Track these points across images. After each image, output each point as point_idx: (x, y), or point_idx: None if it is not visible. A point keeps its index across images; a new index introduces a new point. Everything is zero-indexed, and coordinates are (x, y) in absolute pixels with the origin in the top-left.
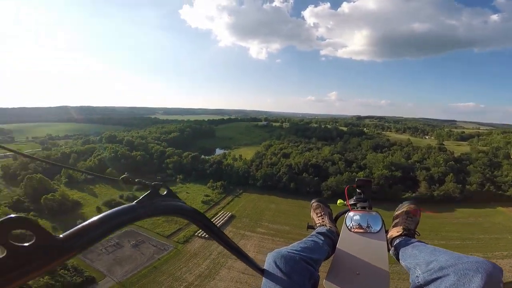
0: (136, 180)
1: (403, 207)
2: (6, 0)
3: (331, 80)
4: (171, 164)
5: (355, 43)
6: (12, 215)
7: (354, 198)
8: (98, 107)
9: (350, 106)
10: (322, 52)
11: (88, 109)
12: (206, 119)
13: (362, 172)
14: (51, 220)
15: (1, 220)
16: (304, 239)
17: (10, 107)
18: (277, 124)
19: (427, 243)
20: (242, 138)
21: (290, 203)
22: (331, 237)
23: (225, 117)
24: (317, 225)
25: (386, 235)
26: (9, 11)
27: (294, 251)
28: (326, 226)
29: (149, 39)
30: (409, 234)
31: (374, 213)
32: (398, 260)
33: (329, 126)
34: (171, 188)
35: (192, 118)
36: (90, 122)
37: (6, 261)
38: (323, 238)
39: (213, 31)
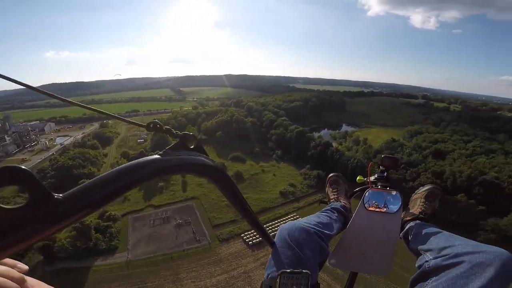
0: (164, 127)
1: (423, 191)
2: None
3: None
4: (274, 136)
5: None
6: (6, 166)
7: (376, 175)
8: (251, 75)
9: None
10: None
11: (244, 77)
12: (342, 91)
13: None
14: None
15: None
16: (318, 213)
17: (195, 74)
18: (442, 104)
19: (442, 229)
20: (381, 116)
21: None
22: (345, 213)
23: (366, 90)
24: (332, 200)
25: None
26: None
27: (309, 224)
28: (340, 201)
29: (295, 13)
30: (425, 219)
31: (394, 192)
32: (408, 243)
33: None
34: (262, 162)
35: (331, 88)
36: (242, 88)
37: None
38: (336, 214)
39: (359, 1)
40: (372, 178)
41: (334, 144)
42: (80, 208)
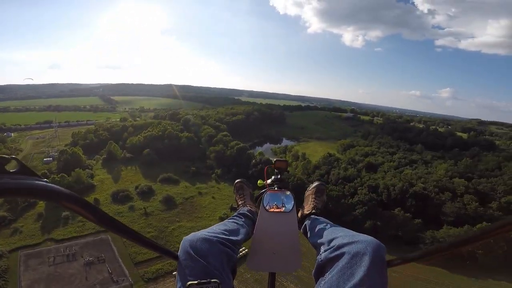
0: None
1: (312, 188)
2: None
3: (445, 75)
4: (213, 153)
5: (489, 33)
6: None
7: (272, 178)
8: (196, 86)
9: (466, 107)
10: (438, 43)
11: (188, 87)
12: (282, 104)
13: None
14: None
15: None
16: (225, 221)
17: (130, 82)
18: (367, 117)
19: (330, 222)
20: (316, 129)
21: None
22: (251, 217)
23: (303, 104)
24: (240, 205)
25: (298, 213)
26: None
27: (211, 234)
28: (247, 206)
29: (241, 26)
30: (317, 213)
31: (288, 192)
32: (307, 238)
33: (440, 129)
34: (187, 181)
35: (272, 102)
36: (185, 99)
37: None
38: (243, 219)
39: (302, 17)
40: (269, 181)
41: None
42: None
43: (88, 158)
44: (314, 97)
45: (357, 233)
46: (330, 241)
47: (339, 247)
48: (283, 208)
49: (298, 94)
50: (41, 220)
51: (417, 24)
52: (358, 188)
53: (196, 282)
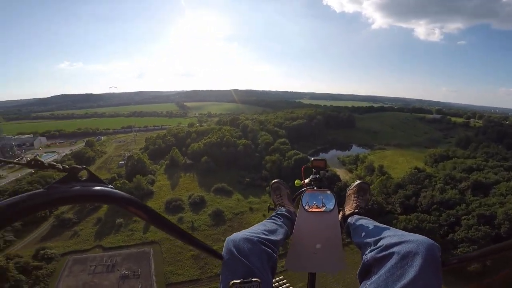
0: (47, 163)
1: (354, 186)
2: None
3: None
4: (268, 163)
5: None
6: None
7: (310, 177)
8: (258, 90)
9: None
10: None
11: (250, 92)
12: (350, 106)
13: None
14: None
15: None
16: (264, 221)
17: (201, 89)
18: (460, 119)
19: (376, 221)
20: (394, 134)
21: None
22: (290, 217)
23: (376, 105)
24: (277, 206)
25: (339, 213)
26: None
27: (252, 234)
28: (285, 206)
29: (298, 29)
30: (361, 212)
31: (328, 192)
32: (351, 238)
33: None
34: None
35: (337, 103)
36: (247, 104)
37: None
38: (281, 219)
39: (362, 14)
40: (307, 180)
41: (342, 175)
42: None
43: (154, 163)
44: (387, 97)
45: (408, 233)
46: (377, 241)
47: (388, 247)
48: (324, 208)
49: (368, 94)
50: (98, 225)
51: (507, 12)
52: (463, 218)
53: (239, 281)
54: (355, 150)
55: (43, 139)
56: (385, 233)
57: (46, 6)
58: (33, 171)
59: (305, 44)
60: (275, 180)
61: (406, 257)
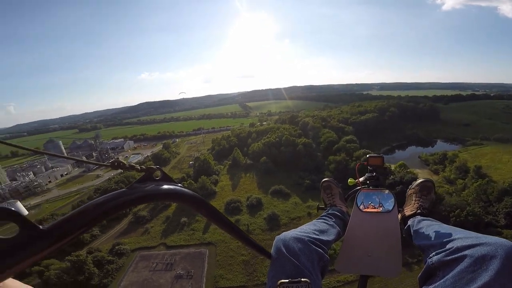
0: (127, 164)
1: (416, 185)
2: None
3: None
4: (332, 164)
5: None
6: None
7: (365, 176)
8: (318, 85)
9: None
10: None
11: (310, 88)
12: (431, 95)
13: None
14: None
15: None
16: (314, 220)
17: (261, 88)
18: None
19: (442, 223)
20: (494, 126)
21: None
22: (342, 217)
23: (465, 93)
24: (328, 205)
25: (399, 214)
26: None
27: (303, 233)
28: (336, 206)
29: (353, 17)
30: (424, 213)
31: (386, 191)
32: (412, 240)
33: None
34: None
35: (414, 93)
36: (308, 100)
37: None
38: (333, 219)
39: None
40: (361, 179)
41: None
42: (60, 237)
43: (219, 163)
44: (478, 83)
45: (483, 235)
46: (446, 243)
47: (459, 249)
48: (381, 208)
49: (452, 81)
50: (166, 223)
51: None
52: None
53: (287, 280)
54: (441, 146)
55: (131, 143)
56: (456, 235)
57: (121, 26)
58: (121, 171)
59: (366, 32)
60: (325, 179)
61: (481, 260)
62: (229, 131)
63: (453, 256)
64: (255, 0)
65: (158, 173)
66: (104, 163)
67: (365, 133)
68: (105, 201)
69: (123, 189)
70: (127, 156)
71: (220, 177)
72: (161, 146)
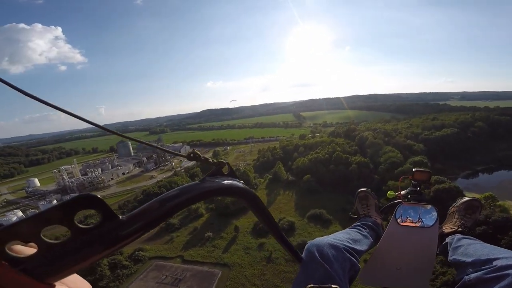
0: (202, 157)
1: (461, 203)
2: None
3: None
4: (391, 191)
5: None
6: (82, 194)
7: (408, 190)
8: (382, 94)
9: None
10: None
11: (373, 97)
12: None
13: None
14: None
15: (70, 199)
16: (347, 229)
17: (318, 98)
18: None
19: (484, 242)
20: None
21: None
22: (376, 229)
23: None
24: (361, 216)
25: (439, 231)
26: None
27: (337, 241)
28: (371, 217)
29: (418, 21)
30: (465, 232)
31: (429, 206)
32: (446, 257)
33: None
34: None
35: (506, 104)
36: (371, 110)
37: (69, 244)
38: (367, 229)
39: None
40: (403, 192)
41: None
42: (138, 228)
43: (260, 176)
44: None
45: None
46: (487, 261)
47: (502, 268)
48: (419, 223)
49: None
50: (191, 235)
51: None
52: None
53: (317, 286)
54: None
55: (187, 147)
56: (500, 254)
57: (189, 38)
58: (173, 173)
59: (440, 36)
60: (362, 189)
61: None
62: (277, 142)
63: (494, 275)
64: (313, 9)
65: (226, 168)
66: (181, 153)
67: (440, 153)
68: (183, 192)
69: (196, 182)
70: (181, 160)
71: (258, 192)
72: (211, 153)
